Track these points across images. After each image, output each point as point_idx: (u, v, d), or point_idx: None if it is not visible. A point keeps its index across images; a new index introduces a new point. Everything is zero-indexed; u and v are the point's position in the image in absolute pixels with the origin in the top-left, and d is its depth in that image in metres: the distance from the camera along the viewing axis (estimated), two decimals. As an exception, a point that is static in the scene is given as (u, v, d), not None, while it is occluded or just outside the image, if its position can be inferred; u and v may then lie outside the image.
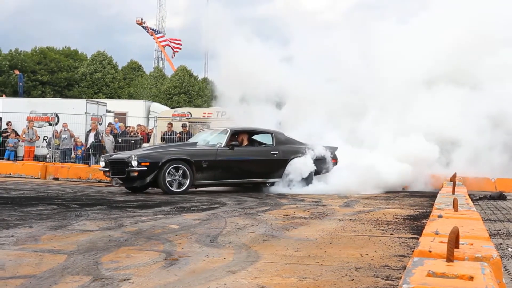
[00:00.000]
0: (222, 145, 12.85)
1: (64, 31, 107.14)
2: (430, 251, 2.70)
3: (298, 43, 18.21)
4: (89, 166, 18.81)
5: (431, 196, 12.05)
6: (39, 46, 53.26)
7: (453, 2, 17.12)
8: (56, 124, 21.36)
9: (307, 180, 13.50)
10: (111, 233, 6.02)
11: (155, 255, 4.88)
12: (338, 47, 17.62)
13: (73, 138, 20.78)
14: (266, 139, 13.85)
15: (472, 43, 16.05)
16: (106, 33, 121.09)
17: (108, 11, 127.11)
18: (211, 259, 4.77)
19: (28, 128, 21.12)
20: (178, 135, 20.28)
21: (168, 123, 21.42)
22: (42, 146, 21.93)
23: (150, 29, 60.52)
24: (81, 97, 42.15)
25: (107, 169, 12.80)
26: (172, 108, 34.37)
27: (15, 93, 36.61)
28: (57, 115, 21.59)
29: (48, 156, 20.98)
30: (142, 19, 61.57)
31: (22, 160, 20.67)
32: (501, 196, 13.00)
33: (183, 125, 20.95)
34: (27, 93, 42.90)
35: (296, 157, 13.55)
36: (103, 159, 13.35)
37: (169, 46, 58.37)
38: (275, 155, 13.41)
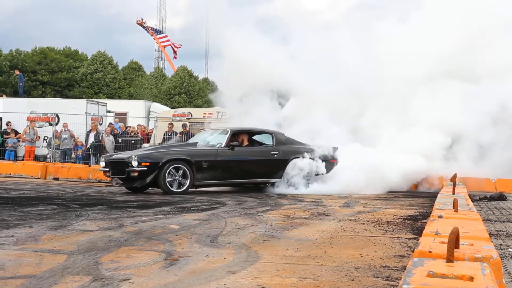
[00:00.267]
0: (222, 145, 12.86)
1: (65, 31, 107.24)
2: (430, 252, 2.70)
3: (298, 42, 18.22)
4: (89, 166, 18.81)
5: (431, 196, 12.04)
6: (40, 46, 53.33)
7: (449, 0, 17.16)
8: (57, 124, 21.37)
9: (307, 181, 13.49)
10: (111, 233, 6.02)
11: (155, 255, 4.88)
12: (339, 46, 17.61)
13: (73, 138, 20.78)
14: (266, 139, 13.85)
15: (471, 39, 16.05)
16: (107, 33, 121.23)
17: (109, 11, 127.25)
18: (211, 259, 4.77)
19: (29, 128, 21.12)
20: (178, 135, 20.28)
21: (169, 123, 21.42)
22: (42, 146, 21.94)
23: (151, 29, 60.51)
24: (82, 97, 42.15)
25: (107, 169, 12.80)
26: (172, 108, 34.37)
27: (15, 93, 36.62)
28: (57, 115, 21.60)
29: (48, 156, 20.98)
30: (142, 19, 61.58)
31: (23, 160, 20.68)
32: (501, 197, 12.99)
33: (184, 125, 20.95)
34: (28, 93, 42.91)
35: (296, 157, 13.55)
36: (103, 159, 13.35)
37: (171, 46, 58.35)
38: (275, 155, 13.41)
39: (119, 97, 49.72)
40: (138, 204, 9.65)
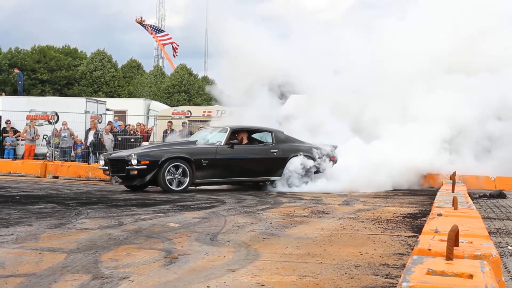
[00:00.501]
0: (222, 144, 12.85)
1: (64, 30, 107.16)
2: (429, 249, 2.70)
3: (299, 39, 18.22)
4: (88, 164, 18.80)
5: (431, 194, 12.04)
6: (39, 45, 53.30)
7: None
8: (56, 122, 21.35)
9: (307, 179, 13.50)
10: (111, 232, 6.02)
11: (154, 253, 4.89)
12: (340, 43, 17.60)
13: (72, 137, 20.78)
14: (265, 138, 13.85)
15: (469, 34, 16.06)
16: (106, 32, 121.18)
17: (108, 9, 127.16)
18: (210, 257, 4.77)
19: (30, 127, 21.13)
20: (177, 133, 20.27)
21: (168, 122, 21.42)
22: (41, 145, 21.92)
23: (150, 27, 60.48)
24: (81, 96, 42.13)
25: (107, 168, 12.80)
26: (171, 106, 34.37)
27: (15, 92, 36.58)
28: (56, 114, 21.58)
29: (47, 154, 20.97)
30: (141, 18, 61.61)
31: (22, 158, 20.67)
32: (500, 195, 12.99)
33: (183, 124, 20.95)
34: (27, 92, 42.88)
35: (296, 155, 13.54)
36: (102, 158, 13.35)
37: (172, 45, 58.31)
38: (275, 154, 13.41)
39: (119, 96, 49.71)
40: (138, 202, 9.65)
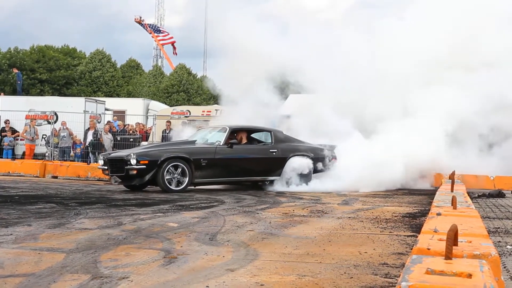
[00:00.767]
0: (221, 143, 12.85)
1: (63, 30, 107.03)
2: (428, 249, 2.70)
3: (298, 36, 18.24)
4: (88, 164, 18.79)
5: (430, 194, 12.05)
6: (38, 44, 53.27)
7: None
8: (55, 122, 21.34)
9: (306, 178, 13.50)
10: (110, 232, 6.02)
11: (154, 253, 4.89)
12: (341, 41, 17.60)
13: (71, 137, 20.76)
14: (265, 137, 13.86)
15: (467, 31, 16.08)
16: (105, 32, 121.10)
17: (107, 9, 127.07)
18: (210, 257, 4.77)
19: (30, 127, 21.13)
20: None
21: (167, 121, 21.41)
22: (41, 145, 21.91)
23: (149, 26, 60.45)
24: (80, 96, 42.11)
25: (106, 168, 12.80)
26: (171, 106, 34.37)
27: (14, 92, 36.56)
28: (55, 114, 21.56)
29: (47, 154, 20.96)
30: (141, 17, 61.57)
31: (22, 158, 20.66)
32: (499, 194, 13.01)
33: (183, 123, 20.95)
34: (26, 92, 42.86)
35: (295, 155, 13.55)
36: (102, 158, 13.35)
37: (172, 44, 58.25)
38: (274, 153, 13.41)
39: (118, 95, 49.69)
40: (137, 202, 9.65)
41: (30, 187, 13.06)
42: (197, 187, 13.00)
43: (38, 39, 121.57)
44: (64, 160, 19.79)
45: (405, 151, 14.32)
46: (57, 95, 42.00)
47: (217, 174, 12.78)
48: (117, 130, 21.40)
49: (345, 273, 4.31)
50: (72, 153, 20.78)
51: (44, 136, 21.83)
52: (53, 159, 19.85)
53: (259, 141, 13.89)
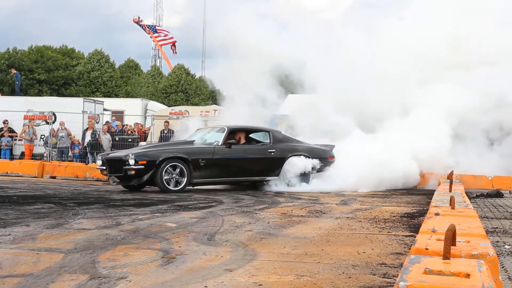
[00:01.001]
0: (220, 143, 12.85)
1: (62, 30, 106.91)
2: (427, 249, 2.71)
3: (298, 34, 18.27)
4: (86, 164, 18.78)
5: (428, 194, 12.05)
6: (36, 45, 53.21)
7: None
8: (53, 122, 21.32)
9: (305, 178, 13.50)
10: (108, 232, 6.02)
11: (152, 253, 4.88)
12: (342, 41, 17.61)
13: (70, 137, 20.75)
14: (263, 137, 13.86)
15: (465, 30, 16.10)
16: (104, 32, 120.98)
17: (106, 9, 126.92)
18: (208, 257, 4.77)
19: (28, 127, 21.12)
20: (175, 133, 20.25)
21: (165, 122, 21.40)
22: (39, 145, 21.90)
23: (148, 27, 60.39)
24: (78, 96, 42.08)
25: (104, 168, 12.80)
26: (169, 106, 34.36)
27: (13, 92, 36.53)
28: (54, 114, 21.54)
29: (45, 154, 20.95)
30: (139, 18, 61.50)
31: (20, 158, 20.65)
32: (498, 194, 13.02)
33: (182, 123, 20.93)
34: (24, 92, 42.81)
35: (294, 155, 13.55)
36: (100, 158, 13.34)
37: (173, 43, 58.15)
38: (272, 153, 13.41)
39: (116, 96, 49.65)
40: (135, 202, 9.65)
41: (29, 187, 13.05)
42: (195, 187, 13.00)
43: (36, 39, 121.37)
44: (63, 161, 19.78)
45: (405, 150, 14.30)
46: (56, 96, 41.96)
47: (215, 174, 12.78)
48: (116, 130, 21.40)
49: (343, 273, 4.31)
50: (70, 154, 20.77)
51: (43, 137, 21.82)
52: (52, 160, 19.84)
53: (257, 141, 13.89)
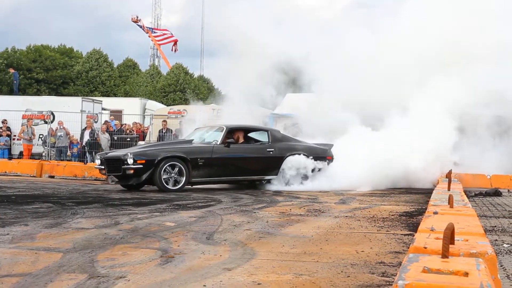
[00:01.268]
0: (218, 143, 12.85)
1: (61, 29, 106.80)
2: (425, 248, 2.71)
3: (297, 33, 18.28)
4: (84, 164, 18.77)
5: (427, 193, 12.05)
6: (34, 44, 53.16)
7: None
8: (52, 122, 21.32)
9: (303, 177, 13.50)
10: (107, 231, 6.02)
11: (151, 252, 4.88)
12: (343, 38, 17.61)
13: (68, 136, 20.74)
14: (262, 137, 13.85)
15: (464, 23, 16.11)
16: (102, 31, 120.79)
17: (104, 9, 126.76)
18: (207, 256, 4.77)
19: (27, 127, 21.11)
20: (173, 133, 20.27)
21: (163, 121, 21.40)
22: (37, 144, 21.89)
23: (146, 27, 60.35)
24: (77, 95, 42.06)
25: (103, 167, 12.79)
26: (168, 105, 34.35)
27: (11, 92, 36.52)
28: (52, 113, 21.54)
29: (43, 154, 20.94)
30: (137, 17, 61.41)
31: (18, 158, 20.64)
32: (496, 193, 13.02)
33: (181, 123, 20.95)
34: (23, 91, 42.78)
35: (292, 154, 13.55)
36: (98, 157, 13.32)
37: (174, 41, 58.05)
38: (271, 153, 13.41)
39: (115, 95, 49.63)
40: (134, 201, 9.64)
41: (27, 186, 13.04)
42: (194, 186, 12.99)
43: (35, 38, 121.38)
44: (61, 160, 19.77)
45: (406, 149, 14.25)
46: (54, 95, 41.95)
47: (214, 174, 12.78)
48: (114, 129, 21.41)
49: (342, 272, 4.31)
50: (69, 153, 20.77)
51: (41, 136, 21.81)
52: (50, 159, 19.83)
53: (256, 141, 13.88)
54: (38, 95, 41.78)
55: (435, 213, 4.21)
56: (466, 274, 2.17)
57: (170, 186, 12.10)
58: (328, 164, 13.96)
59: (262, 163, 13.30)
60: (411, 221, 7.46)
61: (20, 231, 5.90)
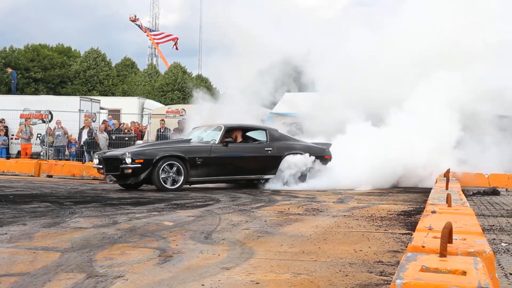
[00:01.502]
0: (216, 142, 12.85)
1: (59, 29, 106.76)
2: (423, 246, 2.71)
3: (297, 32, 18.30)
4: (83, 163, 18.77)
5: (425, 191, 12.06)
6: (32, 43, 53.11)
7: None
8: (50, 121, 21.31)
9: (301, 177, 13.50)
10: (105, 230, 6.01)
11: (149, 252, 4.88)
12: (344, 37, 17.62)
13: (66, 136, 20.73)
14: (260, 136, 13.85)
15: (463, 22, 16.12)
16: (100, 30, 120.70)
17: (102, 8, 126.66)
18: (205, 255, 4.77)
19: (25, 126, 21.10)
20: (172, 132, 20.27)
21: (161, 120, 21.39)
22: (35, 144, 21.88)
23: (144, 26, 60.33)
24: (75, 95, 42.00)
25: (101, 166, 12.78)
26: (166, 105, 34.33)
27: (9, 91, 36.46)
28: (50, 113, 21.53)
29: (41, 153, 20.93)
30: (135, 16, 61.39)
31: (16, 157, 20.62)
32: (494, 192, 13.03)
33: (179, 122, 20.95)
34: (21, 91, 42.72)
35: (290, 153, 13.55)
36: (97, 156, 13.33)
37: (174, 39, 57.99)
38: (269, 152, 13.41)
39: (113, 94, 49.57)
40: (132, 201, 9.64)
41: (25, 186, 13.03)
42: (192, 185, 13.00)
43: (33, 38, 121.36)
44: (59, 159, 19.76)
45: (407, 147, 14.22)
46: (52, 94, 41.91)
47: (212, 173, 12.77)
48: (112, 129, 21.40)
49: (340, 271, 4.32)
50: (67, 152, 20.76)
51: (39, 135, 21.79)
52: (48, 158, 19.82)
53: (254, 140, 13.89)
54: (36, 94, 41.74)
55: (433, 212, 4.22)
56: (464, 273, 2.18)
57: (168, 186, 12.10)
58: (326, 163, 13.96)
59: (260, 162, 13.30)
60: (409, 220, 7.46)
61: (18, 231, 5.89)
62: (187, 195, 11.06)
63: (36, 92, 46.04)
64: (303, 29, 18.55)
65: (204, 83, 50.84)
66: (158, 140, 19.27)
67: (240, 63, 16.93)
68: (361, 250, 5.16)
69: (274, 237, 5.83)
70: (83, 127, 20.71)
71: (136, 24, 60.79)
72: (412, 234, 3.65)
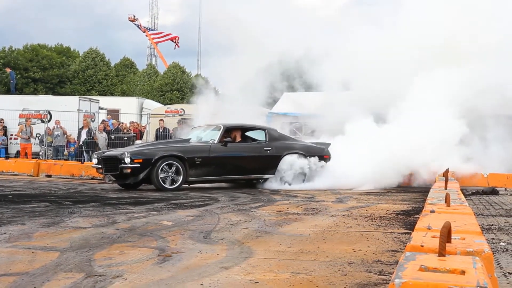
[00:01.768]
0: (215, 142, 12.86)
1: (58, 29, 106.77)
2: (422, 246, 2.71)
3: (297, 31, 18.30)
4: (82, 163, 18.76)
5: (424, 191, 12.07)
6: (31, 43, 53.09)
7: None
8: (49, 121, 21.29)
9: (300, 176, 13.51)
10: (104, 230, 6.01)
11: (148, 251, 4.88)
12: (345, 35, 17.62)
13: (65, 135, 20.73)
14: (259, 136, 13.86)
15: (463, 20, 16.11)
16: (99, 30, 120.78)
17: (101, 8, 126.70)
18: (204, 255, 4.77)
19: (25, 126, 21.09)
20: (171, 132, 20.26)
21: (160, 120, 21.39)
22: (34, 144, 21.86)
23: (144, 27, 60.34)
24: (74, 95, 41.98)
25: (100, 166, 12.78)
26: (165, 105, 34.33)
27: (8, 91, 36.44)
28: (49, 112, 21.51)
29: (40, 153, 20.92)
30: (134, 16, 61.41)
31: (15, 157, 20.61)
32: (493, 191, 13.04)
33: (179, 122, 20.95)
34: (20, 91, 42.69)
35: (289, 153, 13.56)
36: (96, 156, 13.32)
37: (173, 38, 57.97)
38: (268, 151, 13.41)
39: (112, 94, 49.56)
40: (131, 200, 9.64)
41: (24, 186, 13.03)
42: (191, 185, 13.00)
43: (31, 38, 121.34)
44: (58, 159, 19.75)
45: (406, 147, 14.19)
46: (51, 94, 41.88)
47: (211, 173, 12.77)
48: (111, 128, 21.39)
49: (339, 270, 4.32)
50: (66, 152, 20.75)
51: (38, 135, 21.78)
52: (47, 158, 19.81)
53: (253, 139, 13.89)
54: (35, 94, 41.72)
55: (432, 211, 4.21)
56: (462, 272, 2.18)
57: (167, 185, 12.10)
58: (325, 163, 13.97)
59: (259, 162, 13.30)
60: (408, 220, 7.47)
61: (17, 230, 5.89)
62: (186, 194, 11.06)
63: (35, 92, 46.02)
64: (302, 28, 18.55)
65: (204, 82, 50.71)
66: (157, 140, 19.26)
67: (239, 62, 16.93)
68: (360, 250, 5.16)
69: (273, 237, 5.83)
70: (82, 127, 20.71)
71: (135, 24, 60.82)
72: (411, 234, 3.65)
